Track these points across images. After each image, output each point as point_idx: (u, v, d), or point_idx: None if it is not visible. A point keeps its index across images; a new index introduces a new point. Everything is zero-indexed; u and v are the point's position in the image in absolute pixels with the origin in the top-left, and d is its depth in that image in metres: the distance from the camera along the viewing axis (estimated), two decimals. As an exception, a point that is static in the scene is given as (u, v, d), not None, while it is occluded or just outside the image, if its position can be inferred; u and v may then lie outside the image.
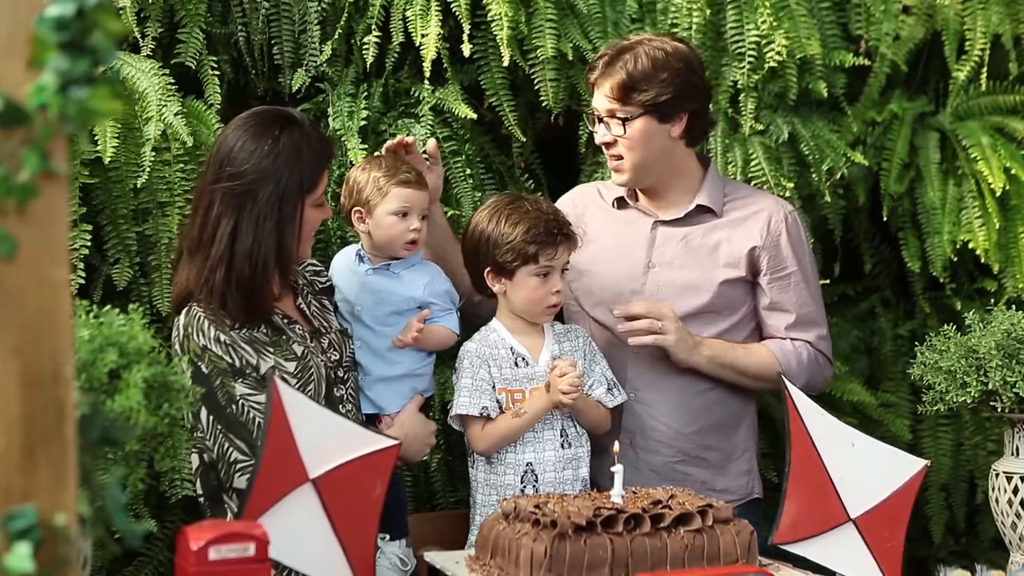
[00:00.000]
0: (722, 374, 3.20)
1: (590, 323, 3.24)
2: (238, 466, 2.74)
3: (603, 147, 3.24)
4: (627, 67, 3.13)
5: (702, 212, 3.25)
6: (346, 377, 2.98)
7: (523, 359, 3.04)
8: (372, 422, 3.05)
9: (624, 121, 3.15)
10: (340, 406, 2.92)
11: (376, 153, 3.29)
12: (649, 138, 3.16)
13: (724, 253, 3.22)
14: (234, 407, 2.75)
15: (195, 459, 2.79)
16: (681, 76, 3.15)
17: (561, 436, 3.02)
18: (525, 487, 2.98)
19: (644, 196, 3.30)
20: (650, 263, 3.24)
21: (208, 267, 2.78)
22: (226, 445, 2.75)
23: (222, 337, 2.77)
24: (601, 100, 3.18)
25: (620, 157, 3.19)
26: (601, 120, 3.19)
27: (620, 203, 3.31)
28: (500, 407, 3.00)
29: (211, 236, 2.79)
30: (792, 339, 3.24)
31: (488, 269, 3.05)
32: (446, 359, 3.29)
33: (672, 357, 3.15)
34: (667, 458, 3.19)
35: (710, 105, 3.33)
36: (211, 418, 2.75)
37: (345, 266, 3.14)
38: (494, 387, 3.00)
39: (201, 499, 2.84)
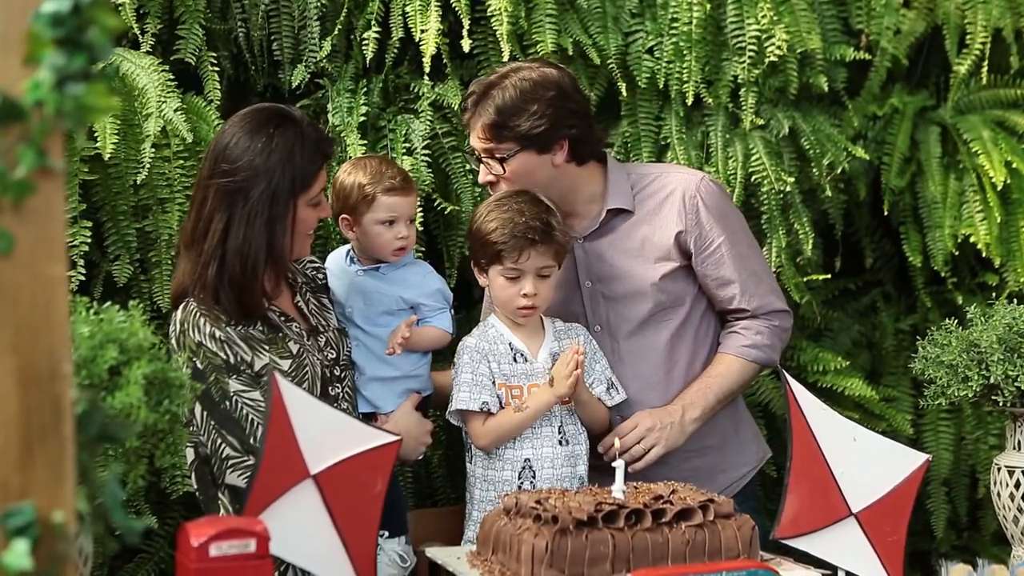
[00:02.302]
0: (715, 411, 3.15)
1: None
2: (230, 462, 2.74)
3: (487, 186, 3.14)
4: (495, 103, 3.02)
5: (616, 215, 3.16)
6: (342, 376, 2.98)
7: (522, 355, 3.02)
8: (368, 421, 3.04)
9: (502, 160, 3.04)
10: (336, 405, 2.91)
11: (360, 155, 3.28)
12: (531, 172, 3.05)
13: (651, 248, 3.14)
14: (227, 403, 2.75)
15: (190, 453, 2.79)
16: (552, 104, 3.03)
17: (559, 433, 3.01)
18: (523, 483, 2.97)
19: None
20: (585, 283, 3.17)
21: (201, 263, 2.79)
22: (219, 441, 2.75)
23: (217, 333, 2.77)
24: (475, 140, 3.08)
25: None
26: (481, 160, 3.10)
27: None
28: (500, 402, 2.99)
29: (204, 231, 2.79)
30: (744, 317, 3.17)
31: (472, 262, 3.06)
32: (448, 355, 3.28)
33: (675, 449, 3.09)
34: (675, 463, 3.13)
35: (590, 123, 3.17)
36: (205, 413, 2.75)
37: (337, 266, 3.12)
38: (494, 382, 3.00)
39: (197, 494, 2.84)
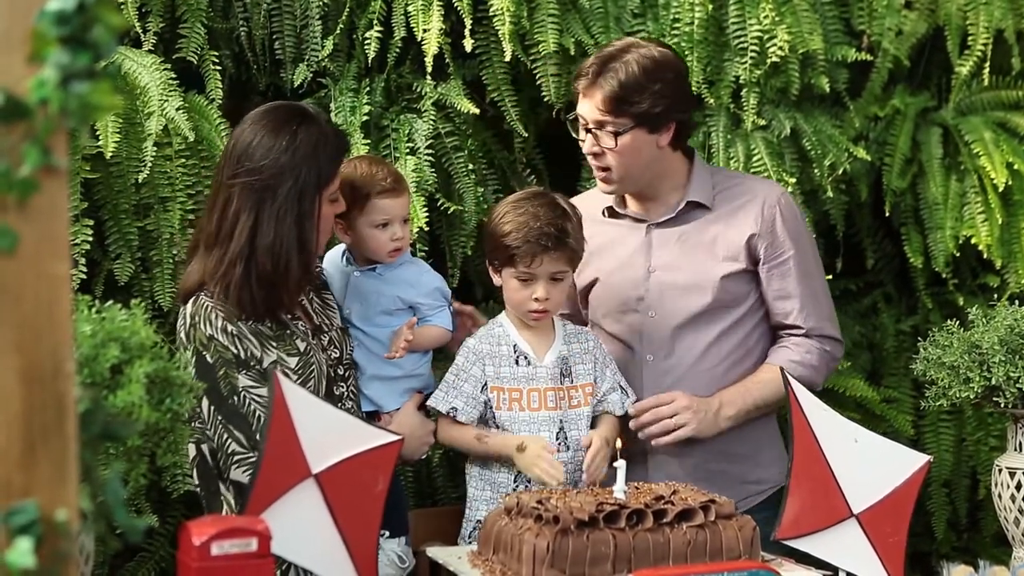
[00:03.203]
0: (751, 416, 3.16)
1: (602, 335, 3.20)
2: (235, 458, 2.75)
3: (590, 156, 3.15)
4: (618, 77, 3.03)
5: (694, 208, 3.19)
6: (346, 375, 2.98)
7: (525, 358, 3.00)
8: (372, 420, 3.04)
9: (615, 134, 3.06)
10: (341, 404, 2.91)
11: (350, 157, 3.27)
12: (639, 149, 3.08)
13: (722, 246, 3.17)
14: (236, 398, 2.76)
15: (192, 450, 2.79)
16: (672, 86, 3.07)
17: (558, 439, 2.99)
18: (518, 485, 2.96)
19: (633, 200, 3.24)
20: (650, 267, 3.19)
21: (227, 262, 2.78)
22: (225, 436, 2.75)
23: (229, 327, 2.77)
24: (591, 111, 3.08)
25: (607, 168, 3.11)
26: (589, 130, 3.11)
27: (610, 212, 3.25)
28: (481, 411, 2.97)
29: (230, 231, 2.79)
30: (796, 334, 3.19)
31: (487, 260, 3.06)
32: (449, 354, 3.28)
33: (700, 437, 3.10)
34: (699, 459, 3.14)
35: (692, 112, 3.26)
36: (212, 408, 2.75)
37: (333, 266, 3.12)
38: (485, 387, 2.99)
39: (199, 490, 2.84)
